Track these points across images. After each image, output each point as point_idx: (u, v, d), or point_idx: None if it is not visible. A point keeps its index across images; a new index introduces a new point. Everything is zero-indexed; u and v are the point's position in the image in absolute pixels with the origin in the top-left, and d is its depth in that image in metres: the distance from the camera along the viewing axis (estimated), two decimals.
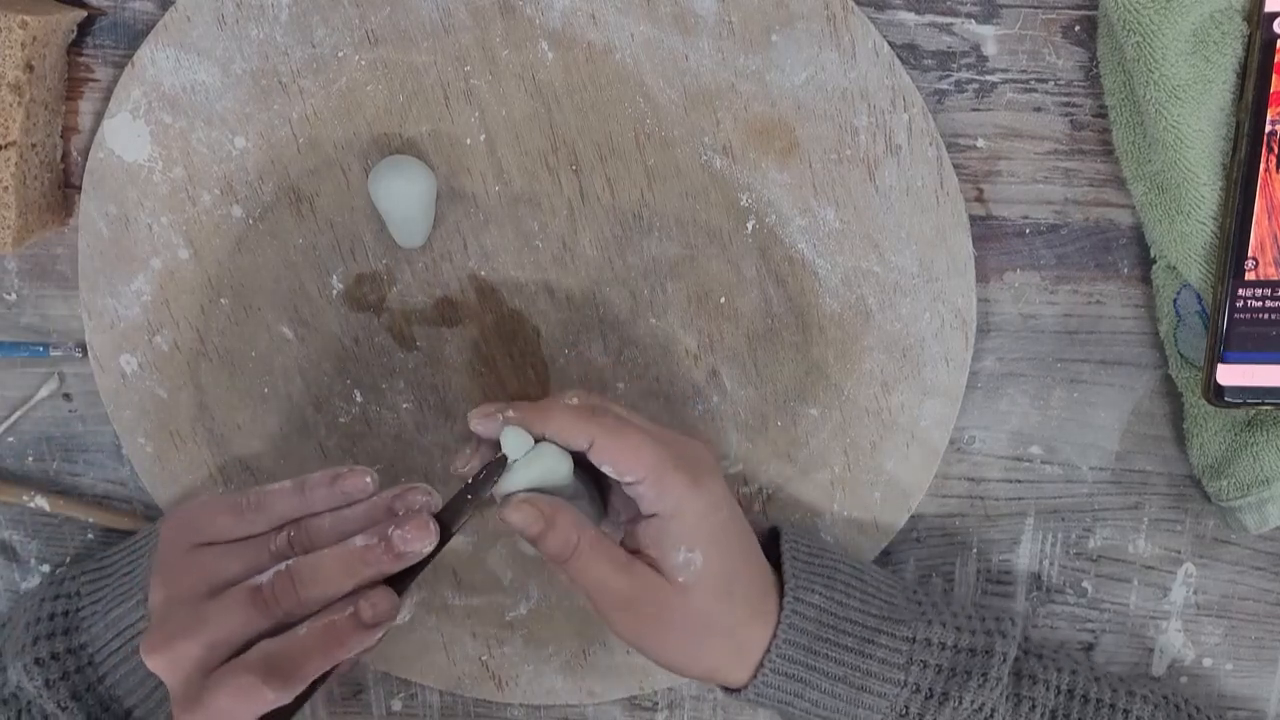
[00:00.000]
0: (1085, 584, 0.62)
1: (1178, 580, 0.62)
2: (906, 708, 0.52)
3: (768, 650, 0.52)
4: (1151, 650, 0.63)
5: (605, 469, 0.50)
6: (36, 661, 0.53)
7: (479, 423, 0.50)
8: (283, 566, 0.47)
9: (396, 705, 0.64)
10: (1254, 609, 0.63)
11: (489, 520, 0.60)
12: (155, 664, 0.46)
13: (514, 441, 0.49)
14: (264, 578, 0.47)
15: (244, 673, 0.45)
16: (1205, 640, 0.63)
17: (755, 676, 0.52)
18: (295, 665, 0.46)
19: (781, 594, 0.53)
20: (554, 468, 0.50)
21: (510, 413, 0.50)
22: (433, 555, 0.48)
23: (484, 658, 0.62)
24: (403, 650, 0.62)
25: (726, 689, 0.54)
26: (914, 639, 0.53)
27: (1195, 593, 0.62)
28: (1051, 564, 0.62)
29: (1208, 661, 0.63)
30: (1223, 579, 0.62)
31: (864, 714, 0.52)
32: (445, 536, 0.48)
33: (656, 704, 0.64)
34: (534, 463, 0.49)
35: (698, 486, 0.50)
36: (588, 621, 0.61)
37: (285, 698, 0.46)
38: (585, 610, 0.61)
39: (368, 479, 0.49)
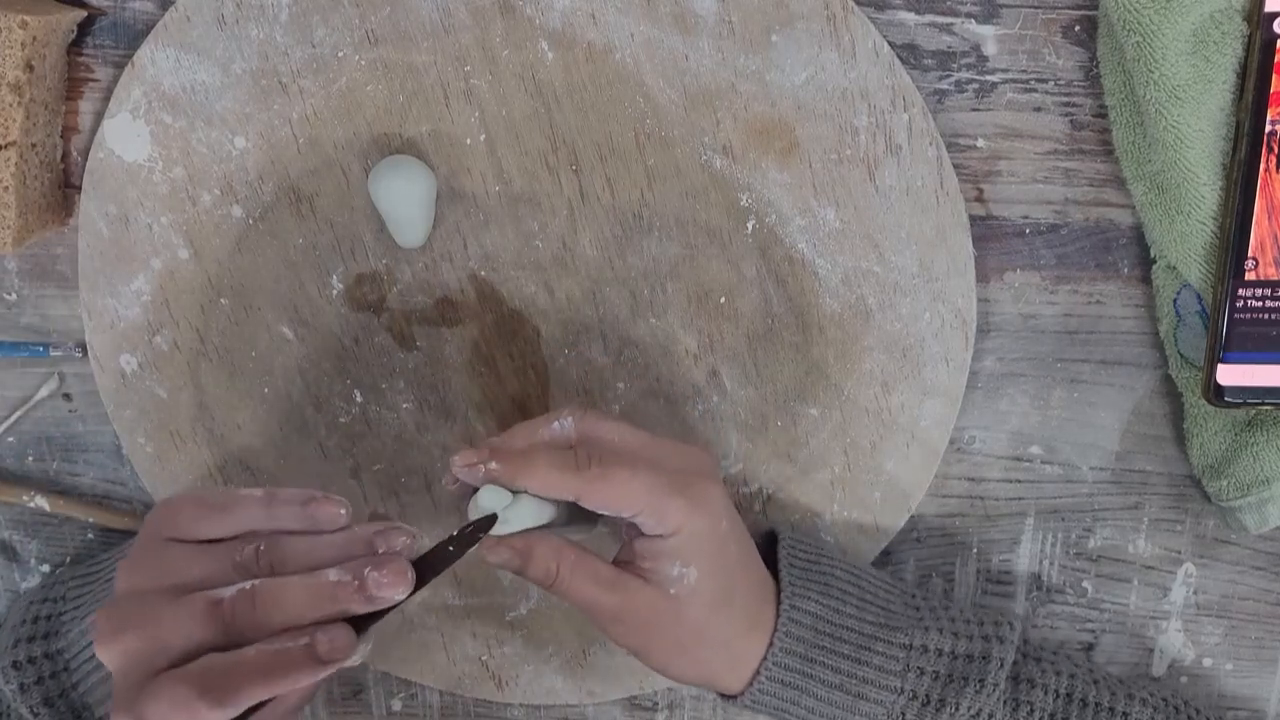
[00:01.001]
0: (1085, 584, 0.62)
1: (1178, 580, 0.62)
2: (903, 714, 0.52)
3: (764, 659, 0.52)
4: (1151, 650, 0.63)
5: (601, 512, 0.50)
6: (14, 665, 0.53)
7: (461, 471, 0.49)
8: (248, 585, 0.45)
9: (396, 705, 0.64)
10: (1254, 609, 0.63)
11: None
12: (101, 652, 0.45)
13: (491, 499, 0.49)
14: (227, 592, 0.45)
15: (182, 684, 0.43)
16: (1205, 640, 0.63)
17: (751, 684, 0.52)
18: (236, 686, 0.44)
19: (778, 602, 0.53)
20: (535, 518, 0.50)
21: (493, 465, 0.48)
22: (400, 602, 0.46)
23: (484, 658, 0.62)
24: (403, 650, 0.62)
25: (723, 695, 0.54)
26: (910, 646, 0.53)
27: (1195, 593, 0.62)
28: (1051, 564, 0.62)
29: (1208, 662, 0.63)
30: (1223, 579, 0.62)
31: None
32: (419, 584, 0.46)
33: (656, 704, 0.64)
34: (514, 518, 0.49)
35: (696, 506, 0.50)
36: (587, 621, 0.61)
37: (220, 717, 0.44)
38: None
39: (341, 510, 0.47)
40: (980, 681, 0.53)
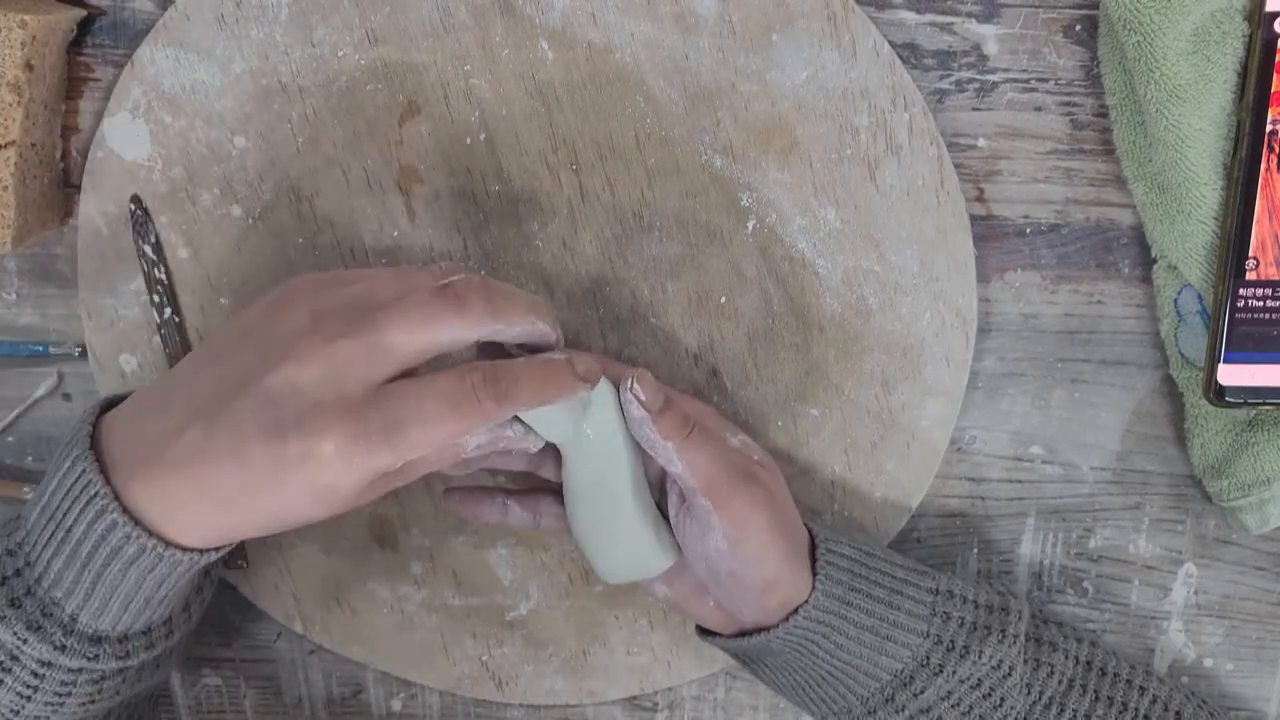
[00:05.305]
0: (1086, 584, 0.62)
1: (1178, 580, 0.62)
2: (928, 658, 0.53)
3: (805, 601, 0.52)
4: (1152, 650, 0.63)
5: (673, 473, 0.51)
6: None
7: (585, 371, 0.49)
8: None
9: (396, 705, 0.64)
10: (1255, 609, 0.63)
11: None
12: (304, 358, 0.44)
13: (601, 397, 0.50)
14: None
15: (462, 381, 0.45)
16: (1206, 641, 0.63)
17: (788, 620, 0.52)
18: (513, 389, 0.45)
19: (813, 550, 0.53)
20: (616, 440, 0.51)
21: (637, 386, 0.50)
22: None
23: (484, 658, 0.62)
24: (403, 650, 0.62)
25: (746, 634, 0.54)
26: (937, 591, 0.54)
27: (1196, 593, 0.62)
28: (1052, 564, 0.62)
29: (1208, 662, 0.63)
30: (1224, 579, 0.62)
31: (887, 662, 0.53)
32: None
33: (656, 704, 0.64)
34: (597, 413, 0.50)
35: (757, 500, 0.51)
36: (588, 621, 0.61)
37: (499, 414, 0.45)
38: (585, 610, 0.61)
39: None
40: (1002, 631, 0.53)
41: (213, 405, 0.44)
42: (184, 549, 0.45)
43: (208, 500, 0.44)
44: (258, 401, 0.43)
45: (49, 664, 0.48)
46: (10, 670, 0.48)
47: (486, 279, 0.47)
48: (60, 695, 0.49)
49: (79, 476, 0.45)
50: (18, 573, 0.47)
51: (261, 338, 0.45)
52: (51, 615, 0.47)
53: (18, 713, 0.49)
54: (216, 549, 0.47)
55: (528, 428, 0.49)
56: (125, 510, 0.44)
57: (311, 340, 0.44)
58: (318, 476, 0.43)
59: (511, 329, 0.47)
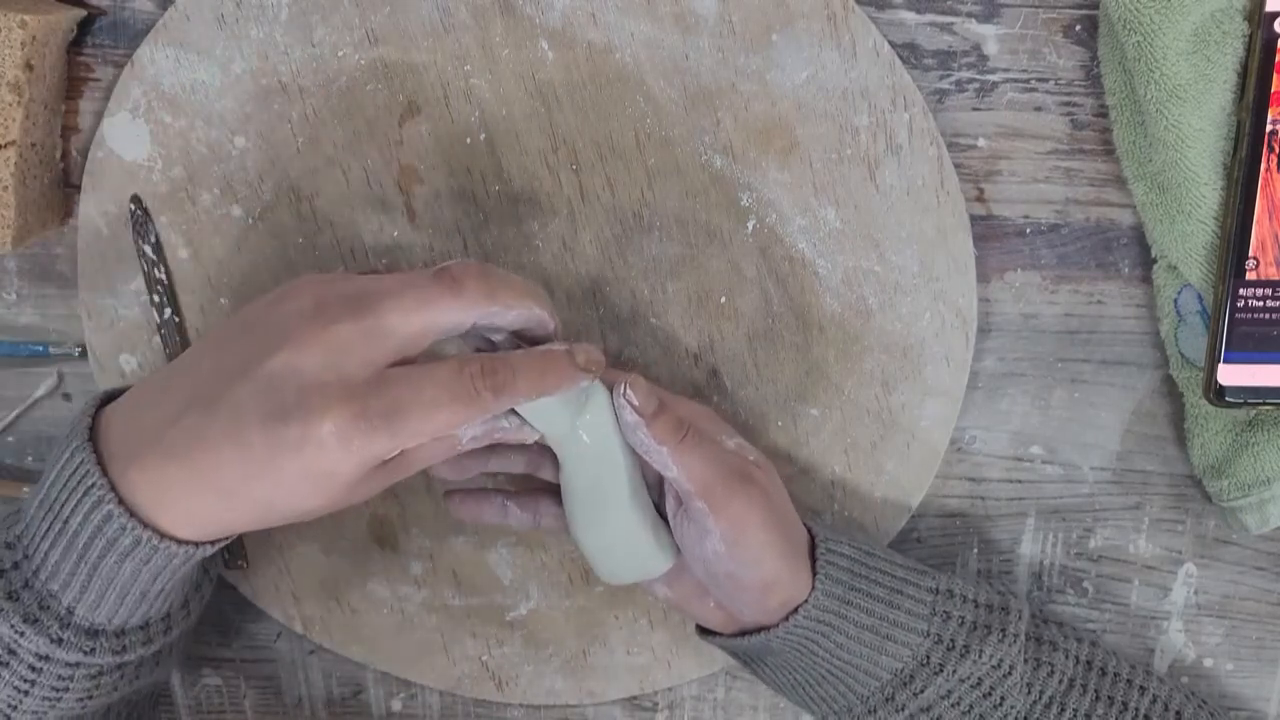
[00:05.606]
0: (1086, 584, 0.62)
1: (1178, 580, 0.62)
2: (928, 657, 0.53)
3: (812, 591, 0.52)
4: (1152, 650, 0.63)
5: (667, 476, 0.51)
6: None
7: (586, 361, 0.49)
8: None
9: (396, 705, 0.64)
10: (1255, 609, 0.63)
11: None
12: (305, 343, 0.44)
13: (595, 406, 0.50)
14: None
15: (461, 371, 0.45)
16: (1206, 641, 0.63)
17: (788, 620, 0.52)
18: (510, 380, 0.46)
19: (813, 550, 0.53)
20: (609, 441, 0.51)
21: (628, 393, 0.50)
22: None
23: (484, 658, 0.62)
24: (403, 650, 0.62)
25: (747, 633, 0.54)
26: (937, 590, 0.54)
27: (1196, 593, 0.62)
28: (1052, 564, 0.62)
29: (1208, 662, 0.63)
30: (1224, 579, 0.62)
31: (887, 661, 0.53)
32: None
33: (656, 704, 0.64)
34: (592, 417, 0.50)
35: (753, 500, 0.51)
36: (588, 621, 0.61)
37: (497, 406, 0.46)
38: (585, 610, 0.61)
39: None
40: (1002, 630, 0.53)
41: (212, 393, 0.44)
42: (179, 541, 0.45)
43: (205, 488, 0.44)
44: (258, 386, 0.43)
45: (46, 657, 0.48)
46: (8, 664, 0.48)
47: (484, 264, 0.48)
48: (57, 690, 0.49)
49: (77, 468, 0.45)
50: (16, 565, 0.48)
51: (262, 327, 0.45)
52: (49, 608, 0.47)
53: (15, 707, 0.49)
54: (212, 542, 0.47)
55: (522, 420, 0.49)
56: (121, 501, 0.45)
57: (312, 324, 0.44)
58: (316, 461, 0.43)
59: (508, 313, 0.47)
